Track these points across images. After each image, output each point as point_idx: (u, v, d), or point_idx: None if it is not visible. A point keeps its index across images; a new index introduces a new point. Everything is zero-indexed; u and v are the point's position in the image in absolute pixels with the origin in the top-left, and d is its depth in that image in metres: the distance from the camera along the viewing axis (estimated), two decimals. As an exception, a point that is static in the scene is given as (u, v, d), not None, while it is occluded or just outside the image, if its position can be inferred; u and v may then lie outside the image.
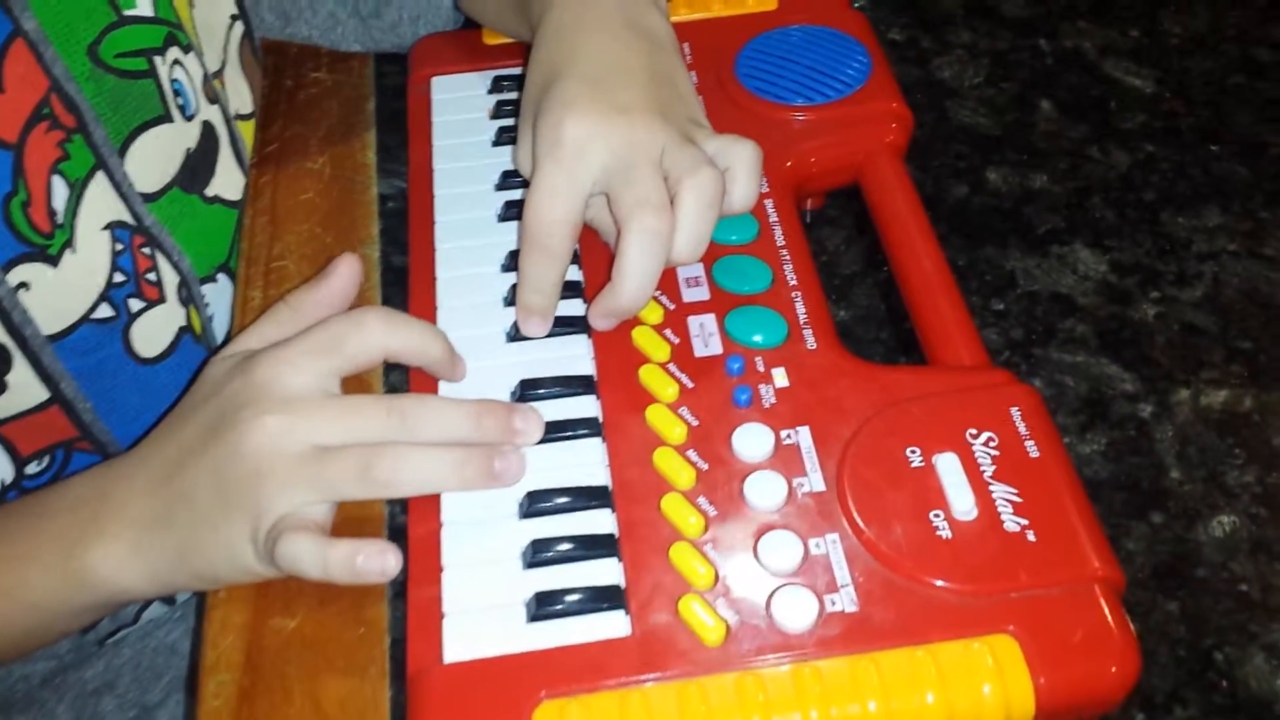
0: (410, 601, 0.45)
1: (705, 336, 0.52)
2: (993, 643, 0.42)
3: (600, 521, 0.47)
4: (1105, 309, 0.55)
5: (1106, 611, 0.43)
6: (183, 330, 0.61)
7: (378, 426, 0.46)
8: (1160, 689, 0.41)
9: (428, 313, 0.55)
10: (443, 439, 0.47)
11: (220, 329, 0.65)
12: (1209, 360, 0.53)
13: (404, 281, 0.60)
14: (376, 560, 0.44)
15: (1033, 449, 0.47)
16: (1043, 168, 0.62)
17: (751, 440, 0.48)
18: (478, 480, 0.47)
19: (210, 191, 0.62)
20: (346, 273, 0.51)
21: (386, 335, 0.48)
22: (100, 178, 0.54)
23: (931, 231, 0.56)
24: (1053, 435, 0.48)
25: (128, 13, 0.56)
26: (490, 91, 0.66)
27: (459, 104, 0.65)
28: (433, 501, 0.48)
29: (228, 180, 0.64)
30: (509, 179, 0.60)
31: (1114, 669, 0.42)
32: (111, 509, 0.48)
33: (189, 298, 0.61)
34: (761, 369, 0.51)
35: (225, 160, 0.64)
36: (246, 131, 0.68)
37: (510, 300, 0.55)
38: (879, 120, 0.61)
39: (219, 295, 0.64)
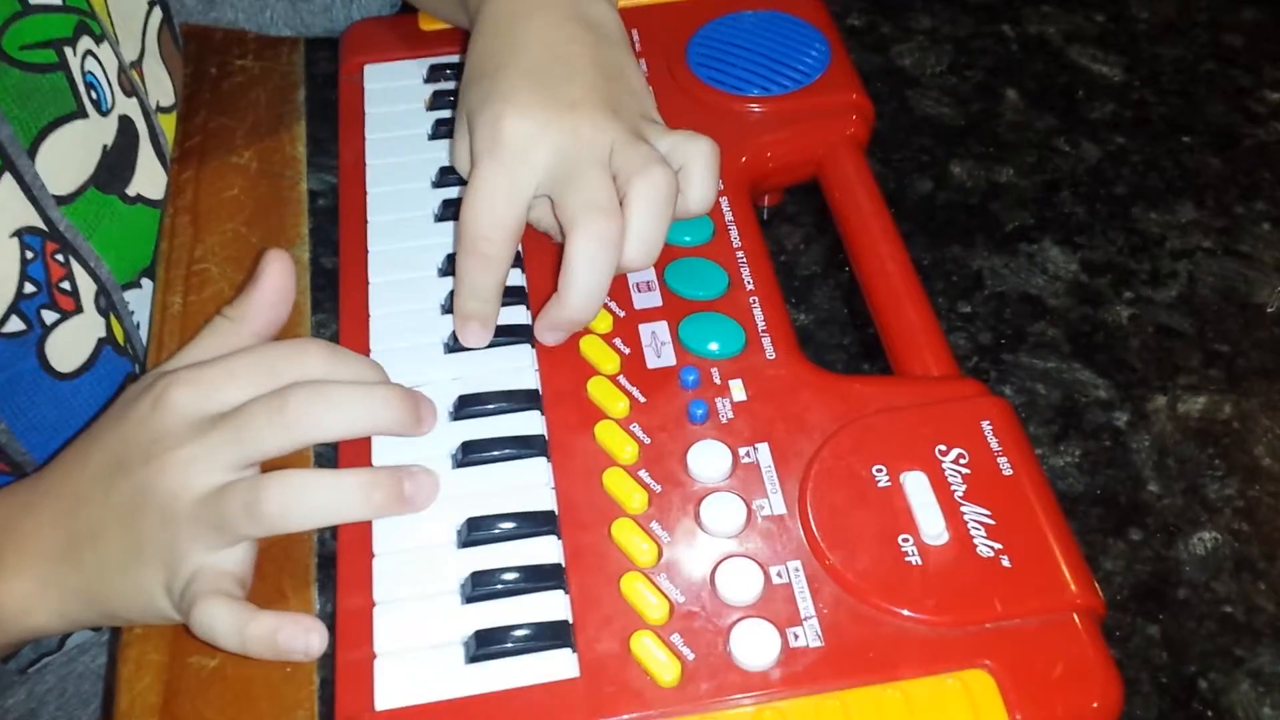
0: (339, 640, 0.42)
1: (658, 346, 0.49)
2: (967, 678, 0.39)
3: (546, 550, 0.43)
4: (1077, 310, 0.53)
5: (1087, 642, 0.40)
6: (102, 341, 0.57)
7: (268, 432, 0.41)
8: (1143, 719, 0.38)
9: (359, 320, 0.52)
10: (345, 429, 0.43)
11: (147, 337, 0.61)
12: (1185, 365, 0.51)
13: (333, 285, 0.56)
14: (300, 639, 0.40)
15: (1006, 466, 0.44)
16: (1009, 161, 0.59)
17: (707, 459, 0.45)
18: (386, 507, 0.43)
19: (131, 191, 0.58)
20: (278, 271, 0.47)
21: (328, 370, 0.44)
22: (7, 180, 0.50)
23: (895, 231, 0.53)
24: (1026, 451, 0.45)
25: (34, 1, 0.51)
26: (427, 81, 0.62)
27: (393, 94, 0.61)
28: (363, 529, 0.44)
29: (149, 178, 0.60)
30: (446, 175, 0.57)
31: (1095, 704, 0.39)
32: (16, 542, 0.44)
33: (109, 306, 0.57)
34: (718, 381, 0.48)
35: (146, 157, 0.60)
36: (168, 125, 0.63)
37: (448, 307, 0.51)
38: (839, 112, 0.58)
39: (144, 301, 0.60)
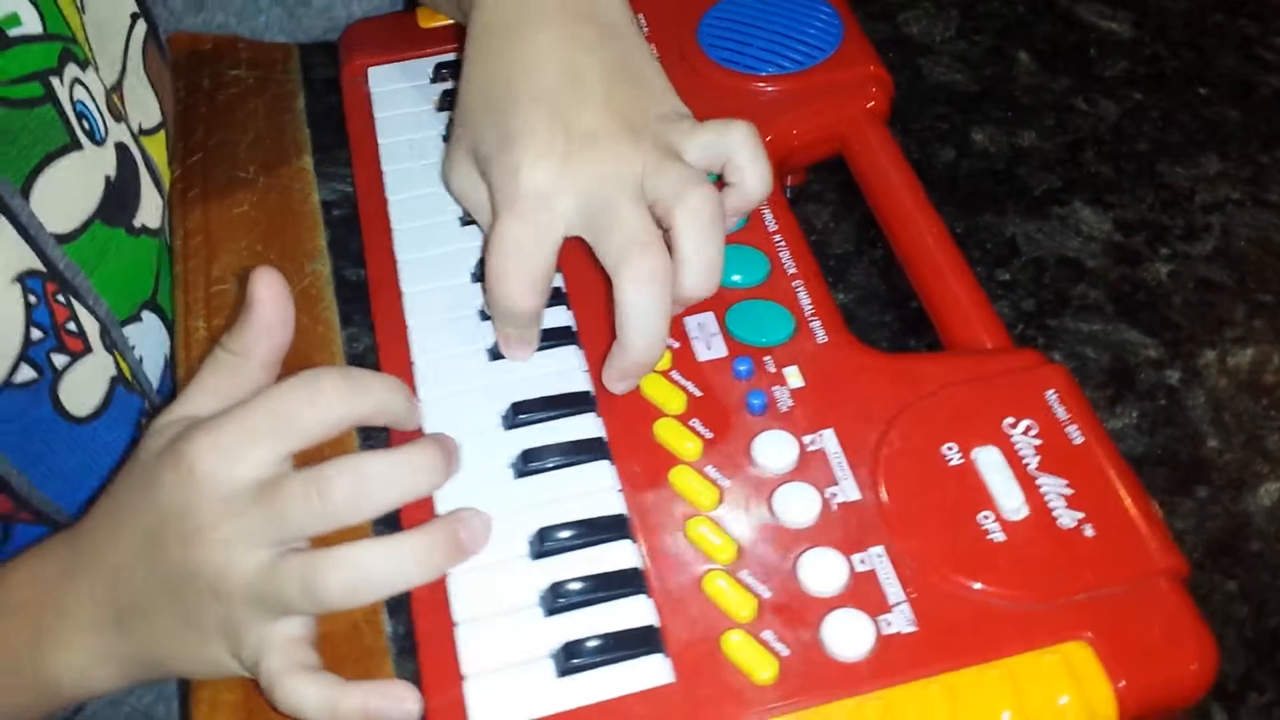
0: (423, 665, 0.41)
1: (706, 338, 0.48)
2: (1066, 651, 0.39)
3: (622, 555, 0.43)
4: (1115, 270, 0.53)
5: (1177, 605, 0.40)
6: (114, 380, 0.55)
7: (310, 518, 0.39)
8: (1232, 676, 0.39)
9: (397, 332, 0.50)
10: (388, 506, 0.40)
11: (152, 371, 0.59)
12: (1230, 318, 0.51)
13: (361, 297, 0.55)
14: (394, 710, 0.38)
15: (1075, 434, 0.44)
16: (1029, 124, 0.59)
17: (773, 450, 0.44)
18: (446, 565, 0.41)
19: (137, 222, 0.56)
20: (270, 292, 0.43)
21: (348, 405, 0.40)
22: (2, 225, 0.47)
23: (928, 202, 0.53)
24: (1092, 417, 0.44)
25: (13, 32, 0.48)
26: (434, 80, 0.60)
27: (401, 96, 0.60)
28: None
29: (150, 206, 0.58)
30: (467, 177, 0.55)
31: (1193, 665, 0.39)
32: (61, 610, 0.42)
33: (112, 344, 0.55)
34: (772, 369, 0.47)
35: (145, 184, 0.58)
36: (154, 148, 0.61)
37: (487, 313, 0.50)
38: (858, 85, 0.58)
39: (145, 335, 0.58)
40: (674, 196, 0.44)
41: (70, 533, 0.43)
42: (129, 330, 0.56)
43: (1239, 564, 0.45)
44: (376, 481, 0.39)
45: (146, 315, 0.57)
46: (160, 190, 0.60)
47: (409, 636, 0.44)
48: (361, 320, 0.55)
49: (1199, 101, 0.61)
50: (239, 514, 0.39)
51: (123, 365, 0.56)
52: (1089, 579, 0.40)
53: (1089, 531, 0.41)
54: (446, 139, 0.57)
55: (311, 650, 0.41)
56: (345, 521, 0.39)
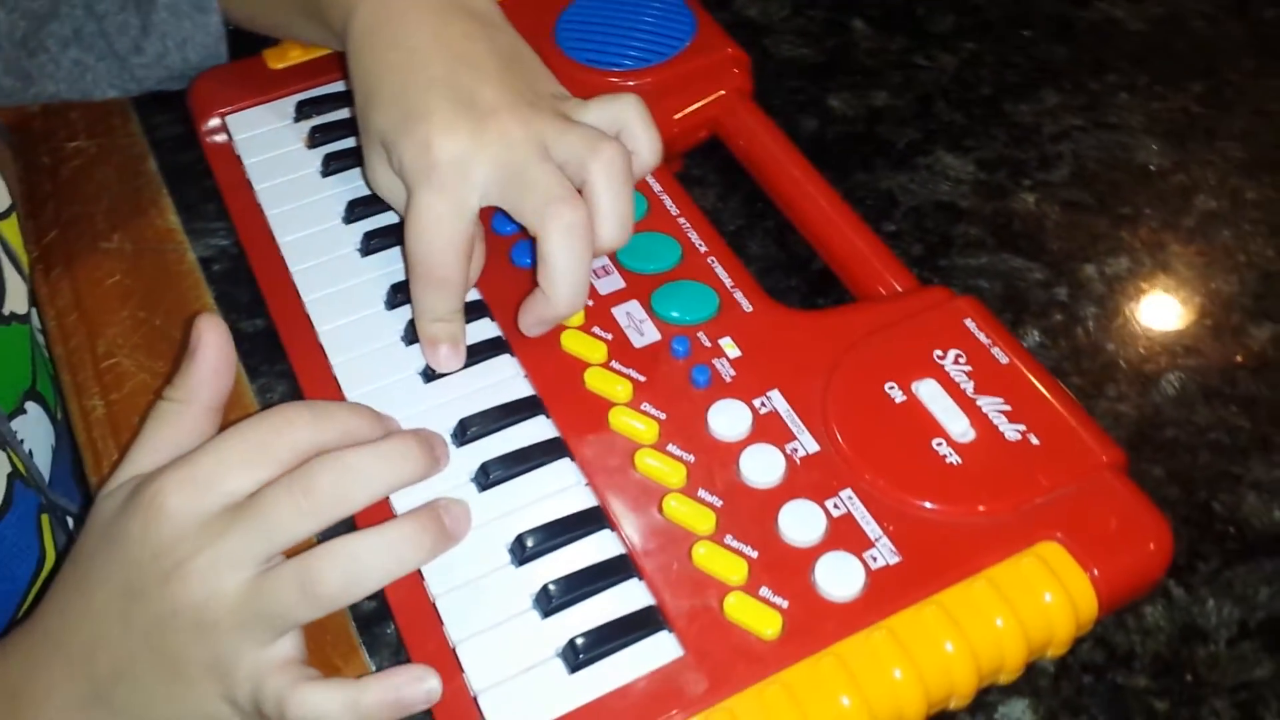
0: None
1: (637, 325, 0.49)
2: (1040, 552, 0.42)
3: (604, 545, 0.43)
4: (988, 206, 0.56)
5: (1127, 493, 0.43)
6: (11, 477, 0.52)
7: (297, 519, 0.38)
8: (1179, 552, 0.42)
9: (319, 373, 0.49)
10: (373, 497, 0.40)
11: (43, 464, 0.56)
12: (1098, 232, 0.55)
13: (263, 348, 0.54)
14: (418, 687, 0.38)
15: (1000, 355, 0.47)
16: (879, 85, 0.62)
17: (727, 418, 0.45)
18: (436, 549, 0.41)
19: (6, 309, 0.53)
20: (214, 335, 0.43)
21: (315, 430, 0.40)
22: None
23: (813, 167, 0.55)
24: (1010, 337, 0.47)
25: None
26: (298, 119, 0.59)
27: (266, 140, 0.58)
28: (411, 579, 0.42)
29: (15, 292, 0.55)
30: (356, 209, 0.55)
31: (1152, 545, 0.42)
32: (34, 708, 0.40)
33: (3, 440, 0.52)
34: (708, 344, 0.48)
35: (6, 270, 0.55)
36: (9, 232, 0.58)
37: (410, 337, 0.49)
38: (721, 68, 0.59)
39: (32, 427, 0.55)
40: (586, 152, 0.46)
41: (27, 625, 0.41)
42: (16, 424, 0.53)
43: (1159, 450, 0.49)
44: (360, 472, 0.39)
45: (30, 406, 0.54)
46: (22, 274, 0.57)
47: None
48: (269, 370, 0.53)
49: (1026, 43, 0.66)
50: (219, 536, 0.38)
51: (16, 461, 0.52)
52: (1044, 483, 0.43)
53: (1034, 440, 0.44)
54: (328, 173, 0.56)
55: (309, 667, 0.39)
56: (333, 517, 0.38)
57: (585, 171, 0.46)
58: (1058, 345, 0.52)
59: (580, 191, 0.46)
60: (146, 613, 0.38)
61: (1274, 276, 0.55)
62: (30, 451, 0.55)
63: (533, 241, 0.46)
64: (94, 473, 0.51)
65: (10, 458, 0.52)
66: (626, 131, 0.48)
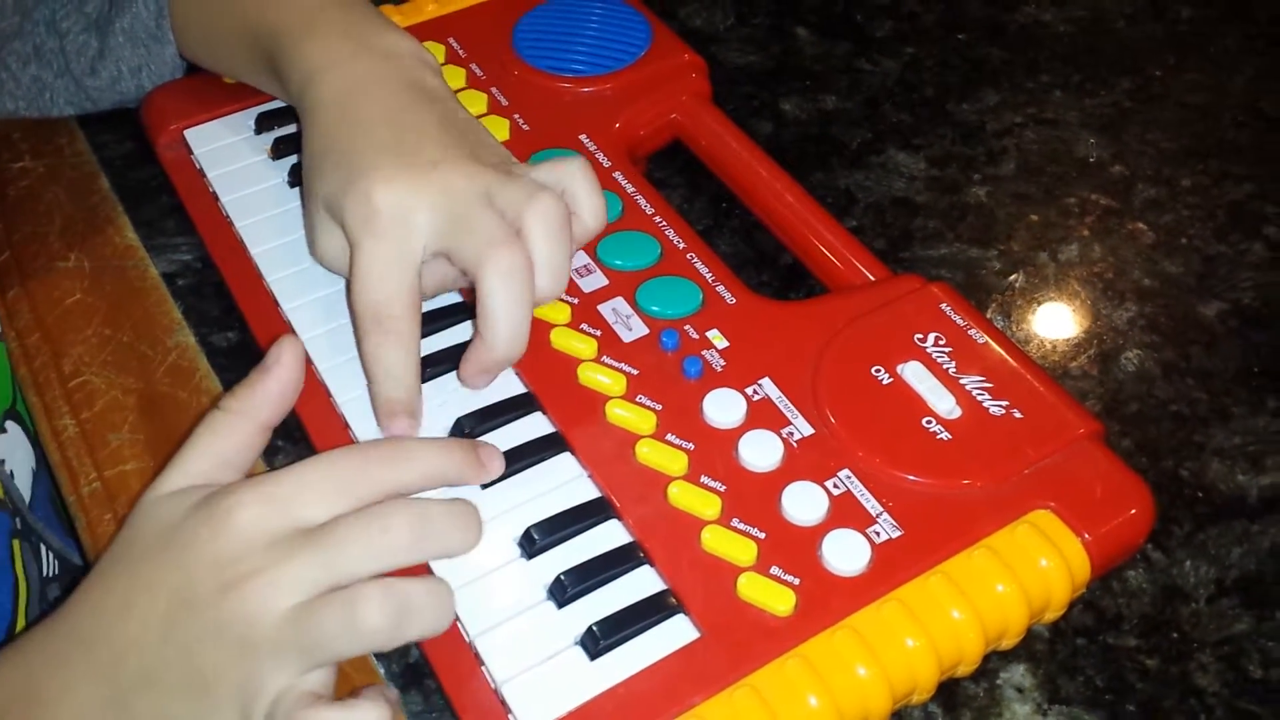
0: (450, 691, 0.40)
1: (624, 320, 0.50)
2: (1034, 519, 0.43)
3: (612, 534, 0.43)
4: (942, 200, 0.58)
5: (1108, 460, 0.45)
6: None
7: (368, 555, 0.38)
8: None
9: (308, 380, 0.49)
10: (441, 554, 0.41)
11: (23, 484, 0.54)
12: (1047, 220, 0.57)
13: (238, 363, 0.53)
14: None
15: (977, 335, 0.48)
16: (827, 89, 0.64)
17: (723, 407, 0.46)
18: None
19: None
20: (290, 359, 0.42)
21: (400, 473, 0.40)
22: None
23: (777, 165, 0.57)
24: (983, 319, 0.49)
25: None
26: (259, 131, 0.59)
27: (228, 152, 0.58)
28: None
29: None
30: (329, 218, 0.54)
31: (1134, 510, 0.44)
32: (43, 700, 0.38)
33: None
34: (695, 336, 0.49)
35: None
36: None
37: (396, 342, 0.49)
38: (680, 72, 0.61)
39: (13, 446, 0.54)
40: (524, 202, 0.45)
41: (51, 620, 0.40)
42: None
43: (1125, 422, 0.51)
44: (437, 529, 0.39)
45: (10, 425, 0.53)
46: None
47: (407, 672, 0.43)
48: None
49: (961, 46, 0.68)
50: (284, 558, 0.37)
51: None
52: (1031, 454, 0.45)
53: (1017, 414, 0.46)
54: (295, 184, 0.56)
55: (323, 699, 0.39)
56: (400, 563, 0.38)
57: (521, 221, 0.45)
58: (1020, 328, 0.54)
59: None
60: (192, 622, 0.37)
61: (1215, 259, 0.58)
62: (11, 472, 0.54)
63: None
64: (70, 492, 0.50)
65: None
66: (569, 194, 0.48)
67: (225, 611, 0.36)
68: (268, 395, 0.42)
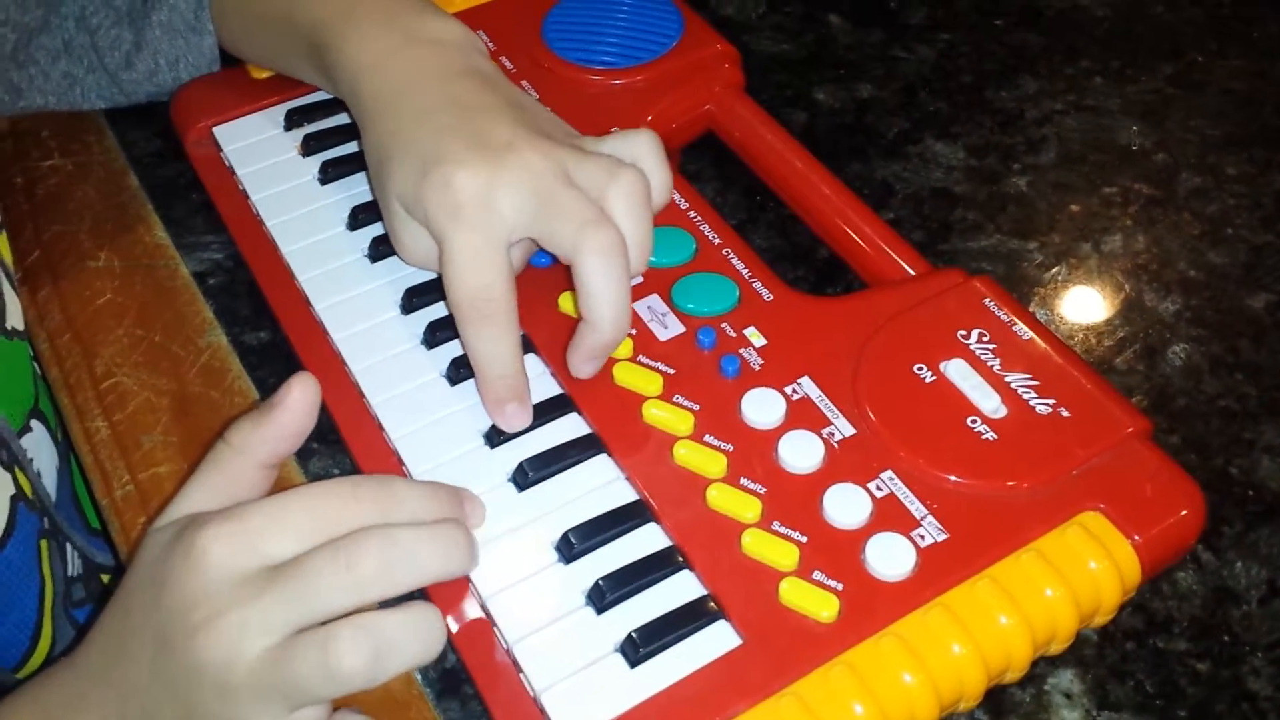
0: (488, 698, 0.40)
1: (660, 318, 0.49)
2: (1083, 521, 0.42)
3: (652, 538, 0.43)
4: (982, 191, 0.57)
5: (1157, 460, 0.44)
6: (15, 499, 0.50)
7: (336, 591, 0.36)
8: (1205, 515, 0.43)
9: (339, 380, 0.48)
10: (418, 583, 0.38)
11: (50, 484, 0.54)
12: (1090, 210, 0.56)
13: (270, 361, 0.53)
14: None
15: (1022, 331, 0.47)
16: (862, 77, 0.63)
17: (761, 407, 0.45)
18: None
19: (8, 324, 0.51)
20: (301, 399, 0.40)
21: (380, 515, 0.38)
22: None
23: (812, 156, 0.56)
24: (1028, 314, 0.48)
25: None
26: (289, 128, 0.58)
27: (258, 149, 0.57)
28: (459, 582, 0.42)
29: (14, 308, 0.54)
30: (360, 215, 0.54)
31: (1184, 511, 0.43)
32: None
33: (11, 459, 0.51)
34: (733, 334, 0.48)
35: (4, 286, 0.53)
36: (1, 247, 0.56)
37: (428, 341, 0.49)
38: (713, 63, 0.60)
39: (39, 446, 0.53)
40: (606, 179, 0.45)
41: (73, 655, 0.39)
42: (25, 442, 0.51)
43: (1173, 419, 0.50)
44: (410, 555, 0.37)
45: (35, 424, 0.53)
46: (18, 290, 0.55)
47: (445, 677, 0.43)
48: (278, 382, 0.52)
49: (999, 32, 0.67)
50: (253, 597, 0.36)
51: (23, 481, 0.51)
52: (1079, 454, 0.44)
53: (1065, 413, 0.45)
54: (327, 181, 0.55)
55: None
56: (374, 596, 0.36)
57: (605, 199, 0.45)
58: (1067, 321, 0.53)
59: None
60: (172, 664, 0.36)
61: (1263, 248, 0.56)
62: (39, 472, 0.54)
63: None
64: (103, 495, 0.49)
65: (16, 478, 0.51)
66: (640, 166, 0.47)
67: (200, 653, 0.35)
68: (264, 437, 0.40)
